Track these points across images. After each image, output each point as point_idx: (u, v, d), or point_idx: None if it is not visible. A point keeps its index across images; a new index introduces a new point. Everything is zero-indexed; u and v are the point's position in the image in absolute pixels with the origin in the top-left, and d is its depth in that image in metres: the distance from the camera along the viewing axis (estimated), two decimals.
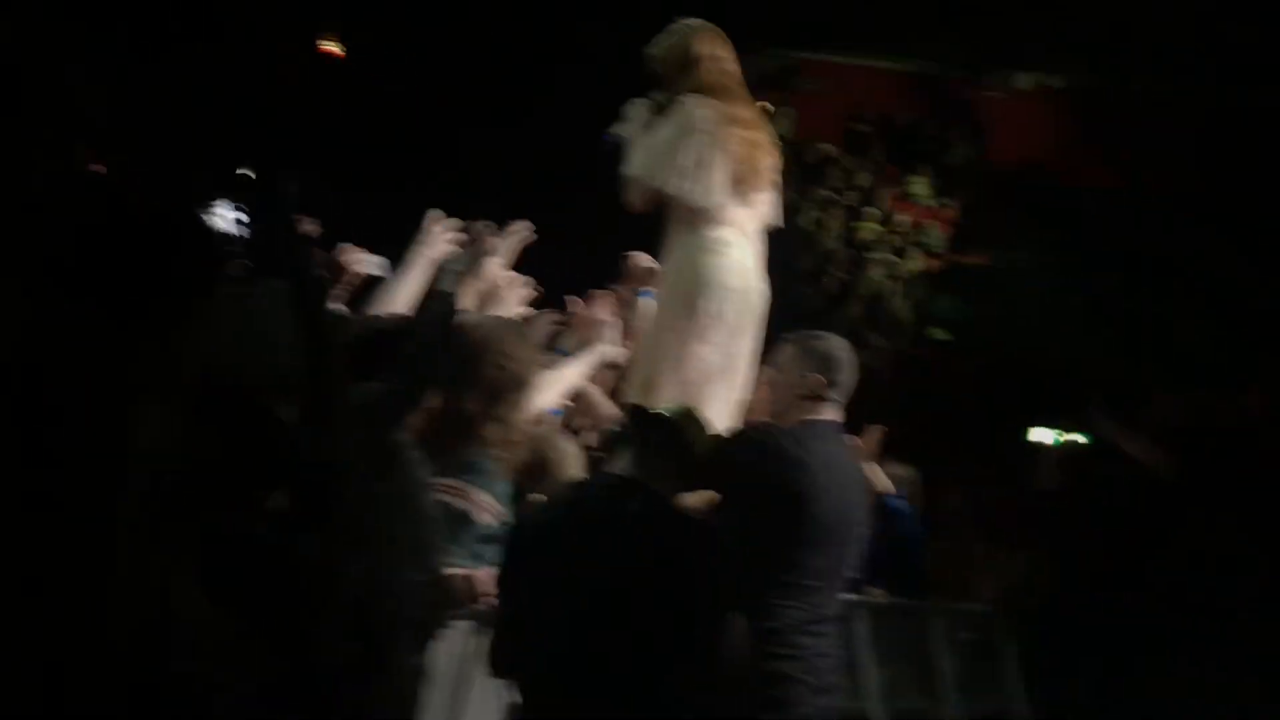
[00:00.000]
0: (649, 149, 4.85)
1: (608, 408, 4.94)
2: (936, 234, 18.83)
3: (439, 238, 4.71)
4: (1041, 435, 12.35)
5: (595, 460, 4.46)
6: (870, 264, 17.79)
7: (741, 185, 4.84)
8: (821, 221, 18.48)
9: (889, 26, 19.88)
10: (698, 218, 4.83)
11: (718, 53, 4.96)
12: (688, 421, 3.99)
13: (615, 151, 5.04)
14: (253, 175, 2.99)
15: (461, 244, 4.36)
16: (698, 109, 4.82)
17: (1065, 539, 7.71)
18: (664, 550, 3.76)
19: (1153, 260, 16.46)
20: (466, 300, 4.13)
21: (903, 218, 18.97)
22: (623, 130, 5.05)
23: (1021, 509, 7.83)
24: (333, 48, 20.46)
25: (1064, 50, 18.56)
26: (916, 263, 18.17)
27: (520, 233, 5.05)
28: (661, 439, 3.93)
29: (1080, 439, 8.60)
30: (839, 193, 19.14)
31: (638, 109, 5.04)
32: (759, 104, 5.14)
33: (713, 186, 4.77)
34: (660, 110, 5.01)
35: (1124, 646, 7.37)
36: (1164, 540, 7.38)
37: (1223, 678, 8.21)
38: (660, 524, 3.81)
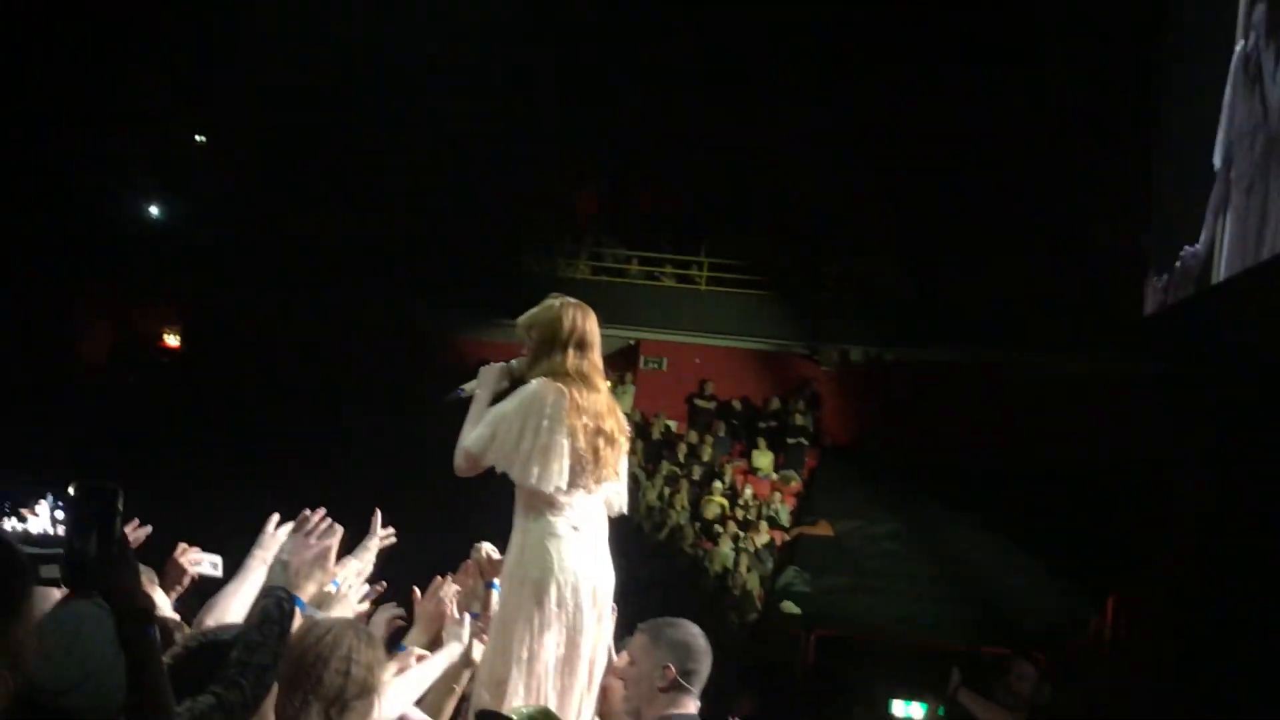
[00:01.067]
0: (491, 425, 4.73)
1: None
2: (782, 506, 18.97)
3: (276, 539, 4.48)
4: (902, 709, 12.19)
5: None
6: (719, 538, 17.79)
7: (585, 472, 4.72)
8: (668, 497, 18.51)
9: (726, 311, 20.53)
10: (540, 503, 4.68)
11: (585, 337, 4.87)
12: None
13: (460, 407, 4.89)
14: (74, 485, 2.76)
15: (299, 538, 4.12)
16: (546, 394, 4.72)
17: None
18: None
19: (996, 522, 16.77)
20: (306, 595, 3.88)
21: (748, 491, 19.12)
22: (471, 389, 4.92)
23: None
24: (171, 340, 20.45)
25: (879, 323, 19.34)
26: (763, 535, 18.22)
27: (381, 534, 4.85)
28: None
29: (935, 710, 8.44)
30: (684, 468, 19.26)
31: (491, 372, 4.92)
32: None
33: (553, 473, 4.65)
34: (513, 378, 4.89)
35: None
36: None
37: None
38: None
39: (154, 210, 20.01)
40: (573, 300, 4.92)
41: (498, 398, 4.85)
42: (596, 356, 4.87)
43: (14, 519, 15.81)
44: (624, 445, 4.83)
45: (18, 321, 18.07)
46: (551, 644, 4.59)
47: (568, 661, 4.63)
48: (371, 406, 18.31)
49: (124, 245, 18.97)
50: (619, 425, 4.81)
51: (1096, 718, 12.73)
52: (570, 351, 4.82)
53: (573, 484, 4.67)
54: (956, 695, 7.10)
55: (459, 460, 4.75)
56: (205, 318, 20.22)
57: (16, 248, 17.30)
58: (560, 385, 4.70)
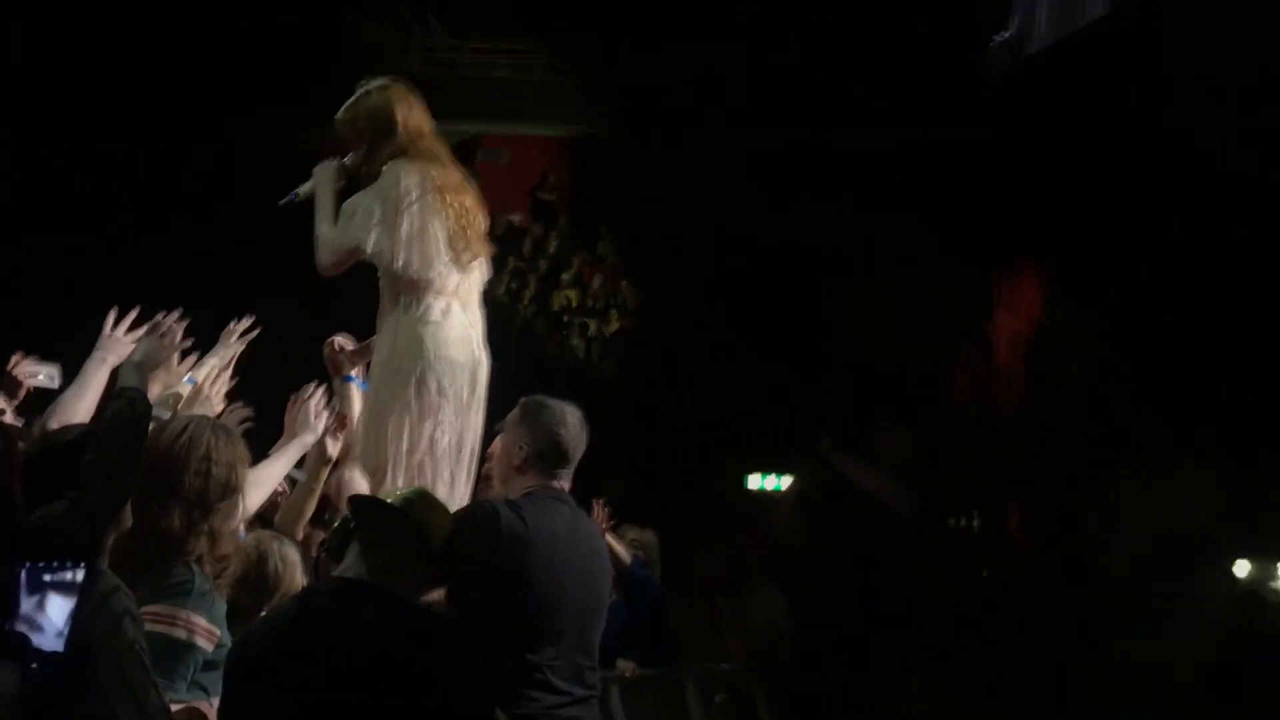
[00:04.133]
0: (361, 217, 4.52)
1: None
2: (631, 293, 18.90)
3: (119, 340, 4.25)
4: (758, 482, 12.39)
5: (321, 564, 4.05)
6: (571, 331, 17.71)
7: (457, 252, 4.57)
8: (515, 292, 18.32)
9: (565, 100, 20.05)
10: (409, 291, 4.52)
11: (419, 114, 4.69)
12: (420, 508, 3.62)
13: (295, 210, 4.69)
14: None
15: (154, 340, 3.88)
16: (409, 176, 4.53)
17: (805, 583, 7.65)
18: (405, 659, 3.37)
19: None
20: (152, 393, 3.67)
21: (596, 281, 19.00)
22: (306, 191, 4.70)
23: (759, 558, 7.73)
24: None
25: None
26: (614, 324, 18.19)
27: (240, 330, 4.69)
28: (390, 532, 3.56)
29: (792, 480, 8.54)
30: (530, 262, 19.04)
31: (327, 169, 4.70)
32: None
33: (432, 258, 4.50)
34: (350, 173, 4.69)
35: (871, 688, 7.34)
36: (902, 575, 7.39)
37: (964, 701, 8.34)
38: (397, 630, 3.42)
39: None
40: (384, 80, 4.74)
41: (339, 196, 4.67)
42: (433, 130, 4.71)
43: None
44: (486, 216, 4.71)
45: None
46: (428, 434, 4.50)
47: (454, 451, 4.55)
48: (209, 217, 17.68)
49: None
50: (477, 198, 4.68)
51: None
52: (411, 131, 4.66)
53: (447, 265, 4.55)
54: (828, 456, 7.17)
55: (325, 259, 4.59)
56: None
57: None
58: (419, 166, 4.53)
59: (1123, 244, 13.78)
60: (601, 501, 5.99)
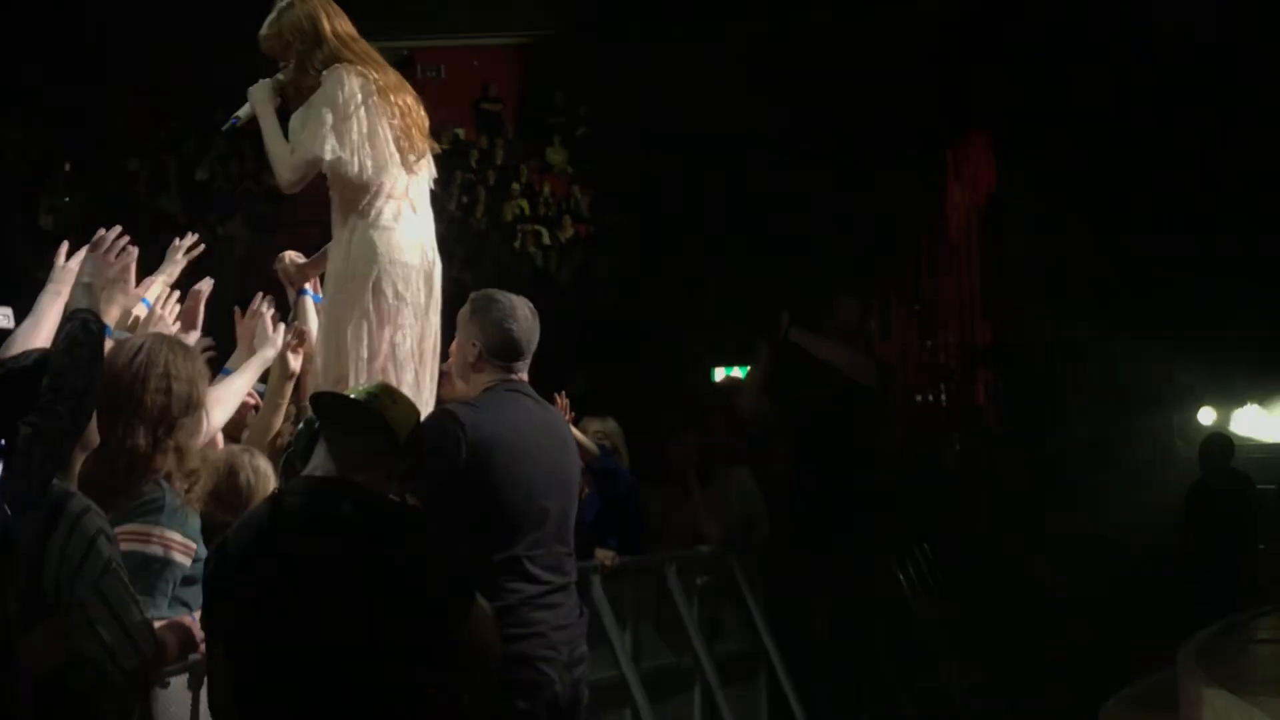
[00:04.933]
0: (314, 127, 4.48)
1: None
2: (582, 198, 18.82)
3: (72, 272, 4.21)
4: (723, 374, 12.45)
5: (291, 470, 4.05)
6: (525, 239, 17.61)
7: (403, 152, 4.57)
8: (466, 205, 18.19)
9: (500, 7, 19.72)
10: (360, 196, 4.51)
11: (344, 19, 4.67)
12: (384, 401, 3.61)
13: (235, 135, 4.69)
14: None
15: (98, 257, 3.85)
16: (352, 80, 4.51)
17: (776, 462, 7.72)
18: (381, 552, 3.40)
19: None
20: (110, 319, 3.65)
21: (546, 189, 18.88)
22: (246, 114, 4.67)
23: (730, 442, 7.78)
24: None
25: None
26: (568, 230, 18.10)
27: (185, 247, 4.71)
28: (355, 427, 3.56)
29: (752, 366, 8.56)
30: (479, 175, 18.89)
31: (262, 89, 4.67)
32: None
33: (385, 159, 4.49)
34: (284, 88, 4.65)
35: (847, 560, 7.43)
36: (871, 445, 7.47)
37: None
38: (371, 524, 3.45)
39: None
40: None
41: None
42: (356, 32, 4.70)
43: None
44: (426, 117, 4.70)
45: None
46: (388, 339, 4.52)
47: (415, 355, 4.58)
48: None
49: None
50: (416, 97, 4.68)
51: None
52: (341, 36, 4.65)
53: (398, 168, 4.56)
54: (789, 335, 7.23)
55: (286, 175, 4.58)
56: None
57: None
58: (358, 69, 4.52)
59: (1071, 107, 13.80)
60: (562, 394, 5.99)
